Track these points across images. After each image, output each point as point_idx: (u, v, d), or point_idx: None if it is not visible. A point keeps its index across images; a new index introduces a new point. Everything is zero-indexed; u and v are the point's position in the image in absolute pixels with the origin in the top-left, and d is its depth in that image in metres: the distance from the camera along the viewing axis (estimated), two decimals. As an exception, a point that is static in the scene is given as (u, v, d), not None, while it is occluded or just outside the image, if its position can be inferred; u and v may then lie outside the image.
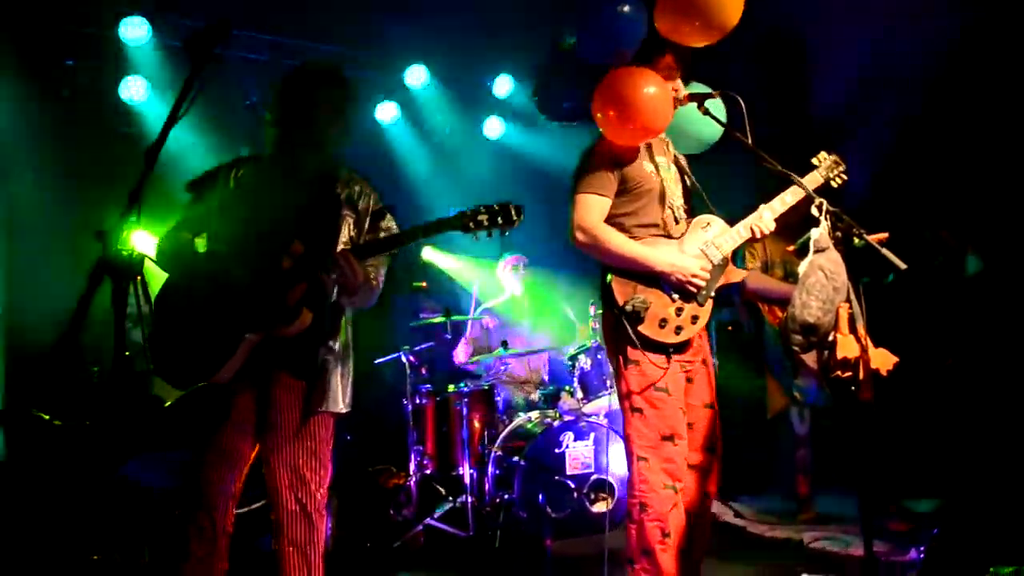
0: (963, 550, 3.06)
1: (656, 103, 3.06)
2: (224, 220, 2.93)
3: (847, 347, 2.87)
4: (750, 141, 3.19)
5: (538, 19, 5.67)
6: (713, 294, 3.17)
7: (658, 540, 3.00)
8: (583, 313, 5.57)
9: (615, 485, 4.78)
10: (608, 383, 5.19)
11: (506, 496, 4.82)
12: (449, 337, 5.85)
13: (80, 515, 4.00)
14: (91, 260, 1.88)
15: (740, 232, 3.21)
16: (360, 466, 5.61)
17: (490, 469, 5.02)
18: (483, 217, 2.84)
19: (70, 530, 3.94)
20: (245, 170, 3.00)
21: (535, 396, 5.44)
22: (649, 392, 3.05)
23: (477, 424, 5.23)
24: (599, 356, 5.27)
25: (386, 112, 6.80)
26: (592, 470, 4.85)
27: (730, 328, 6.39)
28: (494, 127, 7.27)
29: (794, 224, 3.29)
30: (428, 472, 5.31)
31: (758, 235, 3.22)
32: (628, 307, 3.04)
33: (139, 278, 1.94)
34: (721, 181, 4.30)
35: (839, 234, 2.98)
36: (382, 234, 3.03)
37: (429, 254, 7.15)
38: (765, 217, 3.21)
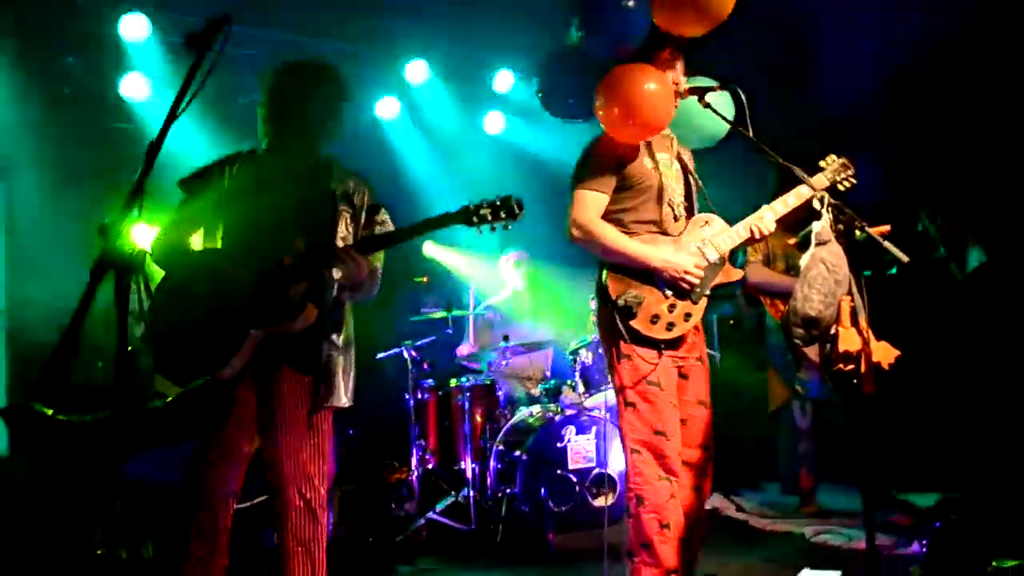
0: (966, 544, 3.06)
1: (657, 100, 3.06)
2: (221, 217, 2.93)
3: (849, 340, 2.87)
4: (751, 133, 3.19)
5: (539, 13, 5.66)
6: (708, 292, 3.18)
7: (656, 532, 3.01)
8: (585, 308, 5.57)
9: (616, 479, 4.78)
10: (609, 377, 5.20)
11: (508, 490, 4.83)
12: (451, 332, 5.85)
13: (84, 510, 4.00)
14: (93, 256, 1.88)
15: (739, 232, 3.21)
16: (362, 461, 5.61)
17: (492, 463, 5.02)
18: (486, 211, 2.86)
19: (74, 525, 3.95)
20: (240, 167, 2.98)
21: (536, 391, 5.45)
22: (641, 386, 3.07)
23: (479, 418, 5.23)
24: (600, 350, 5.27)
25: (387, 108, 6.78)
26: (594, 464, 4.85)
27: (731, 322, 6.40)
28: (495, 122, 7.26)
29: (796, 217, 3.29)
30: (430, 466, 5.32)
31: (757, 236, 3.22)
32: (620, 301, 3.07)
33: (141, 273, 1.94)
34: (726, 178, 4.32)
35: (841, 227, 2.98)
36: (377, 228, 3.04)
37: (430, 249, 7.15)
38: (766, 218, 3.21)
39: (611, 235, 3.13)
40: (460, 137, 7.15)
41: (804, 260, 3.02)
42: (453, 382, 5.41)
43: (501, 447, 5.02)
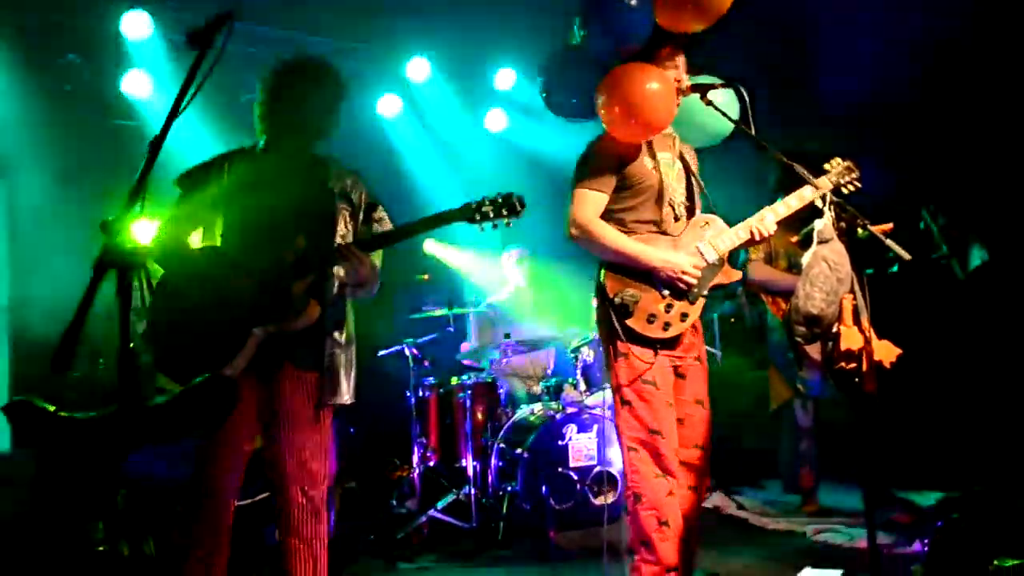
0: (967, 543, 3.06)
1: (658, 100, 3.06)
2: (220, 215, 2.92)
3: (851, 338, 2.88)
4: (753, 132, 3.18)
5: (541, 10, 5.65)
6: (705, 293, 3.18)
7: (655, 529, 3.01)
8: (587, 305, 5.57)
9: (618, 477, 4.78)
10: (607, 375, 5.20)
11: (509, 488, 4.83)
12: (452, 330, 5.85)
13: (85, 507, 4.01)
14: (95, 253, 1.88)
15: (739, 233, 3.20)
16: (364, 458, 5.62)
17: (493, 461, 5.03)
18: (488, 208, 2.87)
19: (76, 522, 3.95)
20: (237, 164, 2.97)
21: (537, 389, 5.45)
22: (637, 385, 3.08)
23: (480, 416, 5.23)
24: (601, 349, 5.27)
25: (388, 106, 6.77)
26: (595, 462, 4.85)
27: (733, 320, 6.39)
28: (496, 120, 7.25)
29: (798, 215, 3.29)
30: (431, 464, 5.32)
31: (757, 237, 3.21)
32: (617, 300, 3.08)
33: (143, 270, 1.95)
34: (728, 177, 4.31)
35: (843, 225, 2.97)
36: (375, 226, 3.05)
37: (431, 246, 7.15)
38: (767, 219, 3.20)
39: (609, 234, 3.13)
40: (462, 135, 7.15)
41: (806, 258, 3.02)
42: (454, 380, 5.42)
43: (502, 445, 5.02)
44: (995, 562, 2.91)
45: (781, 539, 4.58)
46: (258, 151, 3.02)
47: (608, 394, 5.14)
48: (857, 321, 2.88)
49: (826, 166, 3.22)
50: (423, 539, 4.87)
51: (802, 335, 3.03)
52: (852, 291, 2.91)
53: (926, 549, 3.27)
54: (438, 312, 5.62)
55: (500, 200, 2.90)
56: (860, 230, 2.97)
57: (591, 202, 3.17)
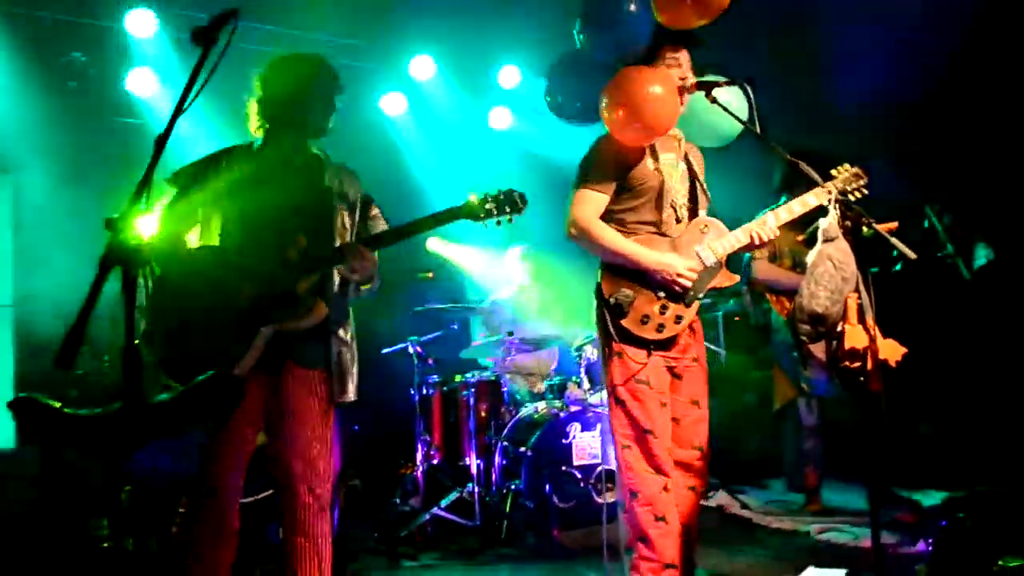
0: (972, 542, 3.06)
1: (661, 104, 3.06)
2: (218, 213, 2.90)
3: (855, 337, 2.87)
4: (758, 129, 3.18)
5: (545, 8, 5.65)
6: (701, 296, 3.18)
7: (652, 524, 3.03)
8: (591, 304, 5.56)
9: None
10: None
11: (513, 486, 4.82)
12: (456, 328, 5.85)
13: (90, 503, 4.02)
14: (99, 250, 1.88)
15: (738, 237, 3.20)
16: (368, 456, 5.62)
17: (497, 459, 5.02)
18: (491, 205, 2.89)
19: (80, 518, 3.96)
20: (235, 162, 2.95)
21: (541, 387, 5.44)
22: (631, 384, 3.09)
23: (484, 414, 5.23)
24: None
25: (392, 104, 6.77)
26: (599, 461, 4.85)
27: (737, 318, 6.38)
28: (501, 118, 7.25)
29: (804, 214, 3.28)
30: (435, 462, 5.32)
31: (757, 242, 3.20)
32: (611, 300, 3.10)
33: (148, 267, 1.95)
34: (734, 176, 4.30)
35: (848, 223, 2.96)
36: (371, 223, 3.05)
37: (435, 244, 7.15)
38: (769, 223, 3.19)
39: (607, 235, 3.14)
40: (466, 132, 7.15)
41: (811, 256, 3.01)
42: (458, 378, 5.41)
43: (506, 443, 5.02)
44: (1000, 562, 2.91)
45: (785, 538, 4.57)
46: (255, 148, 3.01)
47: (611, 393, 5.14)
48: (862, 320, 2.87)
49: (833, 172, 3.20)
50: (427, 537, 4.87)
51: (807, 334, 3.02)
52: (857, 290, 2.90)
53: (930, 549, 3.27)
54: (441, 308, 5.61)
55: (502, 197, 2.91)
56: (865, 229, 2.95)
57: (591, 202, 3.18)
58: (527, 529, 4.72)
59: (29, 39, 5.42)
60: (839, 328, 2.91)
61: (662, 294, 3.11)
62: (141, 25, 5.52)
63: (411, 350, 5.44)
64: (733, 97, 3.34)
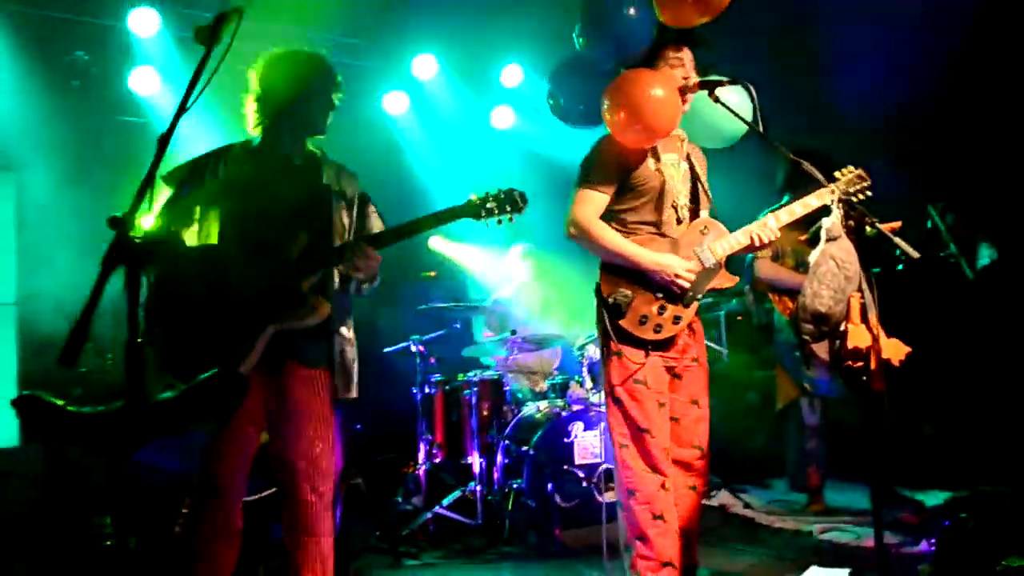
0: (975, 543, 3.05)
1: (662, 106, 3.07)
2: (217, 212, 2.88)
3: (858, 337, 2.86)
4: (761, 129, 3.17)
5: (548, 7, 5.64)
6: (700, 297, 3.18)
7: (650, 523, 3.04)
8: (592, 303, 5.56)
9: (624, 475, 4.77)
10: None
11: (515, 485, 4.82)
12: (459, 326, 5.85)
13: (93, 501, 4.02)
14: (102, 249, 1.88)
15: (738, 239, 3.20)
16: (370, 455, 5.62)
17: (499, 458, 5.02)
18: (492, 204, 2.91)
19: (83, 516, 3.97)
20: (232, 161, 2.94)
21: (543, 386, 5.44)
22: (628, 384, 3.10)
23: (486, 413, 5.23)
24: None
25: (395, 104, 6.76)
26: (601, 460, 4.84)
27: (740, 318, 6.38)
28: (503, 117, 7.24)
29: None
30: (437, 461, 5.32)
31: (757, 244, 3.21)
32: (610, 300, 3.12)
33: (151, 266, 1.95)
34: (737, 176, 4.30)
35: (851, 223, 2.96)
36: (370, 220, 3.06)
37: (436, 243, 7.14)
38: (769, 225, 3.20)
39: (606, 235, 3.15)
40: (468, 132, 7.15)
41: (814, 256, 3.01)
42: (460, 376, 5.41)
43: (508, 442, 5.02)
44: (1003, 562, 2.90)
45: (787, 538, 4.56)
46: (252, 147, 2.99)
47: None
48: (865, 319, 2.87)
49: (837, 174, 3.19)
50: (429, 536, 4.87)
51: (810, 333, 3.02)
52: (860, 289, 2.90)
53: (933, 549, 3.27)
54: (444, 305, 5.61)
55: (503, 196, 2.93)
56: (868, 228, 2.95)
57: (591, 202, 3.19)
58: (529, 528, 4.72)
59: (33, 38, 5.43)
60: (842, 328, 2.91)
61: (660, 295, 3.12)
62: (144, 24, 5.52)
63: (413, 349, 5.44)
64: (736, 97, 3.33)
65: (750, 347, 6.25)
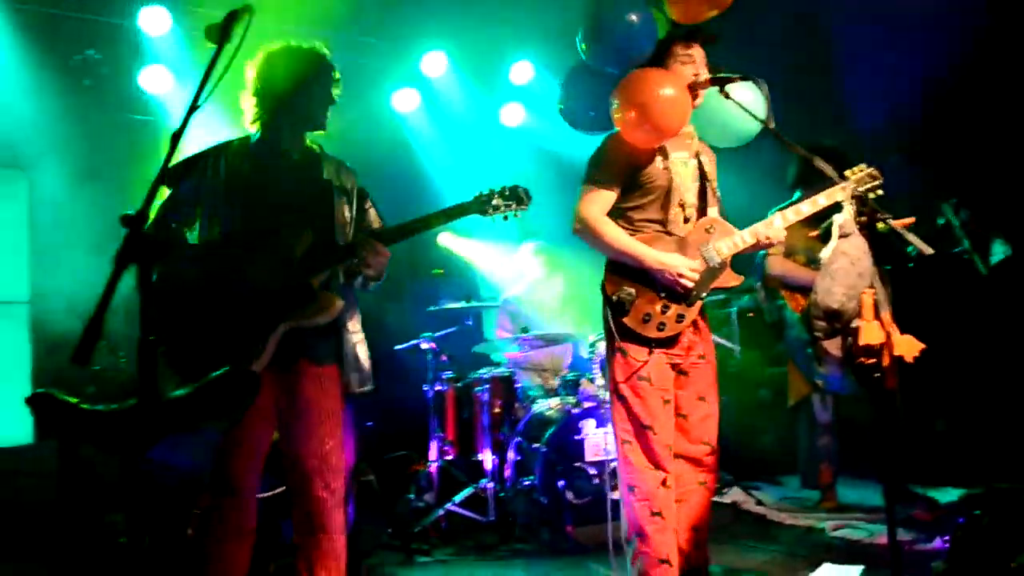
0: (989, 540, 3.03)
1: (671, 105, 3.06)
2: (219, 209, 2.86)
3: (871, 333, 2.85)
4: (773, 126, 3.16)
5: (557, 3, 5.63)
6: (704, 296, 3.18)
7: (649, 520, 3.05)
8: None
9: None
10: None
11: (526, 482, 4.83)
12: (470, 324, 5.85)
13: (107, 499, 4.04)
14: (115, 247, 1.89)
15: (744, 238, 3.20)
16: (382, 452, 5.63)
17: (510, 455, 5.03)
18: (498, 200, 2.94)
19: (97, 513, 3.99)
20: (233, 159, 2.92)
21: (554, 383, 5.44)
22: (632, 381, 3.11)
23: (497, 410, 5.22)
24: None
25: (404, 101, 6.76)
26: (612, 457, 4.83)
27: (751, 315, 6.36)
28: (513, 114, 7.23)
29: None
30: (449, 458, 5.32)
31: (764, 243, 3.21)
32: (614, 298, 3.12)
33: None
34: (749, 174, 4.28)
35: (864, 219, 2.94)
36: (367, 215, 3.06)
37: (446, 239, 7.14)
38: (776, 224, 3.19)
39: (612, 232, 3.15)
40: (478, 129, 7.14)
41: (826, 252, 3.00)
42: (472, 374, 5.42)
43: (520, 439, 5.02)
44: (1018, 559, 2.89)
45: (800, 535, 4.55)
46: (252, 142, 2.98)
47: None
48: (878, 316, 2.85)
49: (848, 172, 3.17)
50: (441, 533, 4.88)
51: (822, 330, 3.01)
52: (873, 286, 2.89)
53: (947, 546, 3.25)
54: (456, 305, 5.61)
55: (508, 192, 2.98)
56: (881, 224, 2.93)
57: (598, 199, 3.19)
58: (541, 525, 4.72)
59: (43, 37, 5.44)
60: (855, 324, 2.90)
61: (663, 293, 3.12)
62: (154, 22, 5.54)
63: (424, 346, 5.44)
64: (750, 95, 3.31)
65: (761, 344, 6.23)
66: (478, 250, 7.16)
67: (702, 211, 3.29)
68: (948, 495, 4.60)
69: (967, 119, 5.49)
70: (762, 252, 4.74)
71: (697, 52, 3.24)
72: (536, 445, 4.82)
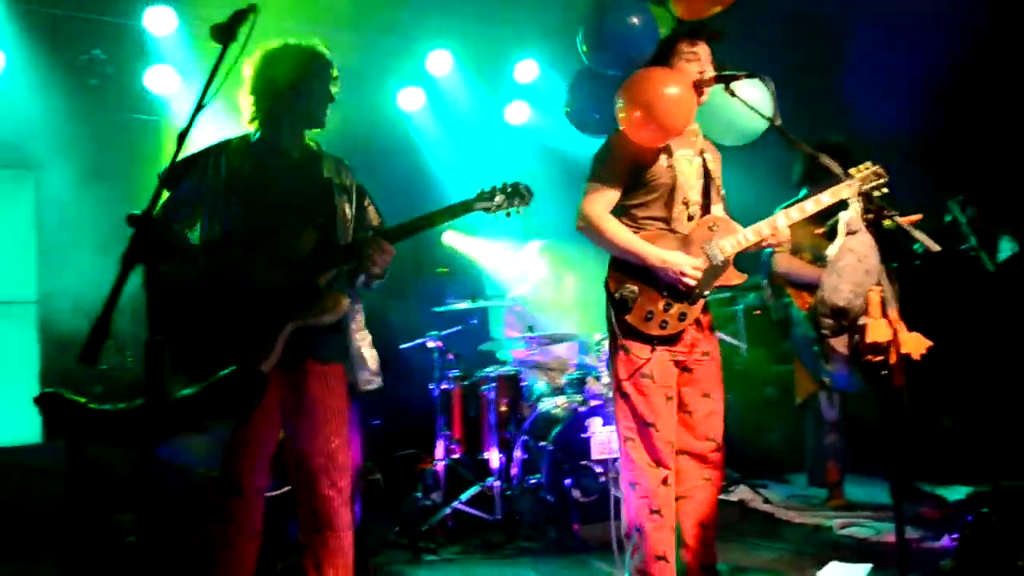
0: (998, 538, 3.02)
1: (676, 104, 3.06)
2: (221, 210, 2.85)
3: (878, 331, 2.84)
4: (779, 123, 3.15)
5: (560, 2, 5.63)
6: (706, 294, 3.18)
7: (648, 517, 3.07)
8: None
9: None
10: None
11: (533, 480, 4.83)
12: (476, 322, 5.85)
13: (115, 498, 4.05)
14: (121, 247, 1.89)
15: (747, 236, 3.19)
16: (388, 450, 5.64)
17: (517, 453, 5.03)
18: (500, 197, 2.95)
19: (105, 513, 3.99)
20: (233, 158, 2.91)
21: (560, 382, 5.44)
22: (635, 378, 3.11)
23: (504, 409, 5.23)
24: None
25: (410, 100, 6.75)
26: (618, 455, 4.83)
27: (757, 312, 6.35)
28: (518, 112, 7.22)
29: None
30: (456, 456, 5.33)
31: (766, 242, 3.20)
32: (617, 295, 3.12)
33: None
34: (754, 173, 4.26)
35: (870, 216, 2.94)
36: (366, 213, 3.07)
37: (451, 238, 7.14)
38: (779, 223, 3.18)
39: (614, 230, 3.15)
40: (483, 127, 7.13)
41: (832, 249, 2.99)
42: (478, 372, 5.42)
43: (526, 437, 5.02)
44: (1026, 557, 2.88)
45: (807, 533, 4.54)
46: (251, 141, 2.97)
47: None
48: (885, 313, 2.84)
49: (852, 171, 3.16)
50: (447, 531, 4.88)
51: (829, 327, 3.01)
52: (880, 283, 2.88)
53: (955, 544, 3.24)
54: (461, 305, 5.61)
55: (509, 189, 3.00)
56: (888, 221, 2.93)
57: (601, 197, 3.20)
58: (547, 523, 4.72)
59: (49, 37, 5.45)
60: (862, 322, 2.89)
61: (666, 292, 3.12)
62: (160, 22, 5.54)
63: (430, 345, 5.44)
64: (755, 93, 3.30)
65: (768, 341, 6.22)
66: (483, 248, 7.16)
67: (706, 209, 3.28)
68: (956, 493, 4.59)
69: (971, 117, 5.47)
70: (768, 250, 4.74)
71: (702, 49, 3.23)
72: (542, 443, 4.82)
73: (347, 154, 3.13)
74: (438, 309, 5.66)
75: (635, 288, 3.11)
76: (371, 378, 2.93)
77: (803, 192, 4.74)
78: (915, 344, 2.83)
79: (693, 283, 3.09)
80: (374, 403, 3.24)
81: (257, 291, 2.76)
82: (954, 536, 3.30)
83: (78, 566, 3.86)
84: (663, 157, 3.19)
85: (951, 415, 5.33)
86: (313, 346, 2.85)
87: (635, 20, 3.28)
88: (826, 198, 3.16)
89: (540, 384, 5.60)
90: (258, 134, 2.96)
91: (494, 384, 5.20)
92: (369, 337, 3.05)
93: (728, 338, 5.84)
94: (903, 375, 2.82)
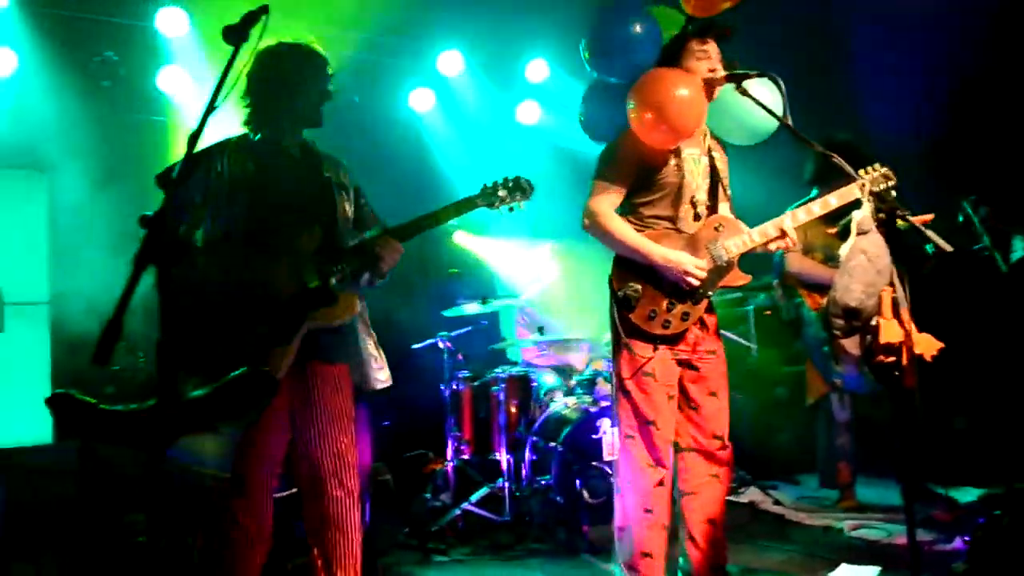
0: (1010, 540, 3.01)
1: (687, 106, 3.05)
2: (223, 210, 2.84)
3: (890, 332, 2.83)
4: (790, 122, 3.14)
5: (571, 2, 5.62)
6: (710, 294, 3.18)
7: (640, 515, 3.10)
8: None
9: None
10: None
11: (543, 481, 4.82)
12: (486, 323, 5.85)
13: (127, 498, 4.07)
14: (133, 248, 1.90)
15: (753, 237, 3.19)
16: (398, 451, 5.64)
17: (527, 454, 5.03)
18: (503, 192, 2.98)
19: (117, 513, 4.01)
20: (235, 158, 2.90)
21: (571, 383, 5.44)
22: (637, 377, 3.12)
23: (514, 409, 5.22)
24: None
25: (421, 100, 6.76)
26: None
27: (768, 313, 6.33)
28: (529, 112, 7.22)
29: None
30: (465, 457, 5.33)
31: (772, 243, 3.20)
32: (620, 294, 3.13)
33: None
34: (764, 172, 4.25)
35: (882, 216, 2.92)
36: (364, 211, 3.07)
37: (461, 238, 7.13)
38: (786, 224, 3.17)
39: (619, 229, 3.16)
40: (494, 127, 7.13)
41: (844, 249, 2.98)
42: (489, 373, 5.42)
43: (536, 438, 5.02)
44: (1039, 560, 2.86)
45: (817, 535, 4.52)
46: (251, 141, 2.96)
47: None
48: (897, 314, 2.83)
49: (862, 172, 3.14)
50: (457, 532, 4.88)
51: (840, 328, 3.00)
52: (892, 284, 2.87)
53: (967, 546, 3.22)
54: (472, 309, 5.61)
55: (511, 183, 3.06)
56: (900, 221, 2.91)
57: (607, 195, 3.21)
58: (557, 524, 4.72)
59: (62, 39, 5.48)
60: (874, 322, 2.88)
61: (669, 291, 3.12)
62: (172, 23, 5.57)
63: (441, 345, 5.45)
64: (767, 93, 3.30)
65: (779, 342, 6.20)
66: (493, 248, 7.15)
67: (713, 208, 3.28)
68: (968, 495, 4.57)
69: (979, 117, 5.44)
70: (780, 252, 4.72)
71: (712, 47, 3.23)
72: (552, 444, 4.81)
73: (359, 155, 3.14)
74: (447, 313, 5.66)
75: (639, 287, 3.11)
76: (380, 376, 2.93)
77: (814, 192, 4.73)
78: (927, 345, 2.82)
79: (697, 283, 3.08)
80: (384, 403, 3.24)
81: (270, 292, 2.76)
82: (966, 538, 3.27)
83: (89, 567, 3.88)
84: (671, 157, 3.19)
85: (963, 416, 5.31)
86: (320, 347, 2.85)
87: (637, 28, 3.28)
88: (833, 200, 3.16)
89: (550, 385, 5.59)
90: (256, 134, 2.97)
91: (504, 385, 5.19)
92: (375, 336, 3.05)
93: (738, 338, 5.83)
94: (915, 376, 2.80)
